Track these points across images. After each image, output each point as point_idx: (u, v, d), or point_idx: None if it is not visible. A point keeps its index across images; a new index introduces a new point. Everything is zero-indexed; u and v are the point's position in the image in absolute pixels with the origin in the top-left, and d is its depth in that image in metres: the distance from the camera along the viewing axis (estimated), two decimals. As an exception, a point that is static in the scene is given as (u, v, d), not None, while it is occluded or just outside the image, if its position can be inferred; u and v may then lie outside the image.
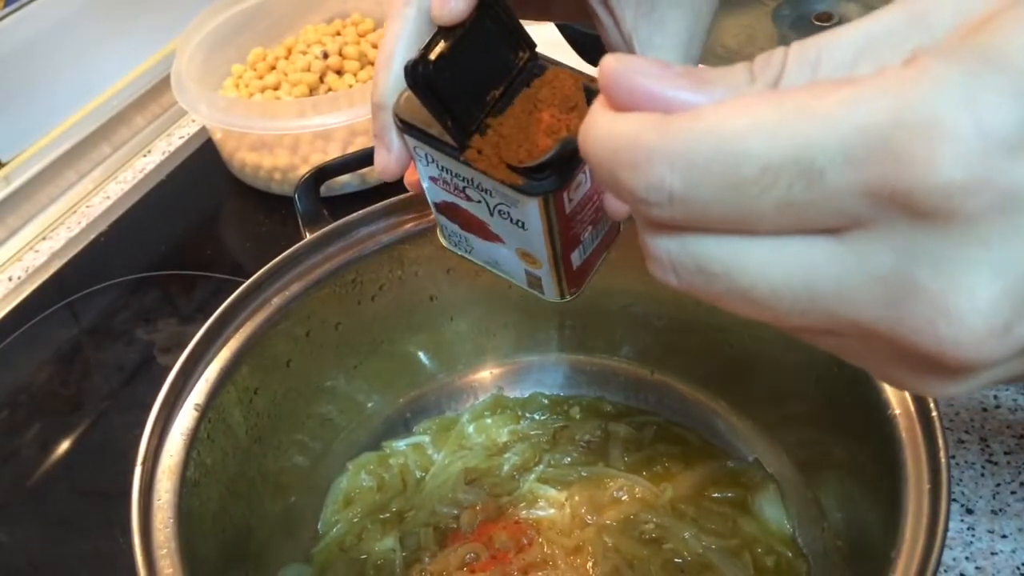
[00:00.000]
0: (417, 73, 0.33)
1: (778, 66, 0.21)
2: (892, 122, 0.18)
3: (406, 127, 0.37)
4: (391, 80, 0.37)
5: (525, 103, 0.35)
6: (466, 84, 0.34)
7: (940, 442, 0.41)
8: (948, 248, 0.18)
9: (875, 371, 0.22)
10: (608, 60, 0.21)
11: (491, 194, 0.36)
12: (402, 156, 0.39)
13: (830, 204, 0.19)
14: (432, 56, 0.33)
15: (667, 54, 0.41)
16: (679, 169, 0.19)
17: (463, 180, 0.37)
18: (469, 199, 0.38)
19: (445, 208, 0.40)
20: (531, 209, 0.35)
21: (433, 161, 0.37)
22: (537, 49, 0.36)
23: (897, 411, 0.43)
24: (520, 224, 0.36)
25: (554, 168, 0.34)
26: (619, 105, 0.21)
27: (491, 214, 0.37)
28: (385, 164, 0.39)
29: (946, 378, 0.20)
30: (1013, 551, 0.51)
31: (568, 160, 0.34)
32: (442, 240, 0.43)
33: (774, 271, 0.20)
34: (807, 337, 0.22)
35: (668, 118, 0.20)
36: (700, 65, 0.22)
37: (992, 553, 0.51)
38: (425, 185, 0.39)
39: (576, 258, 0.39)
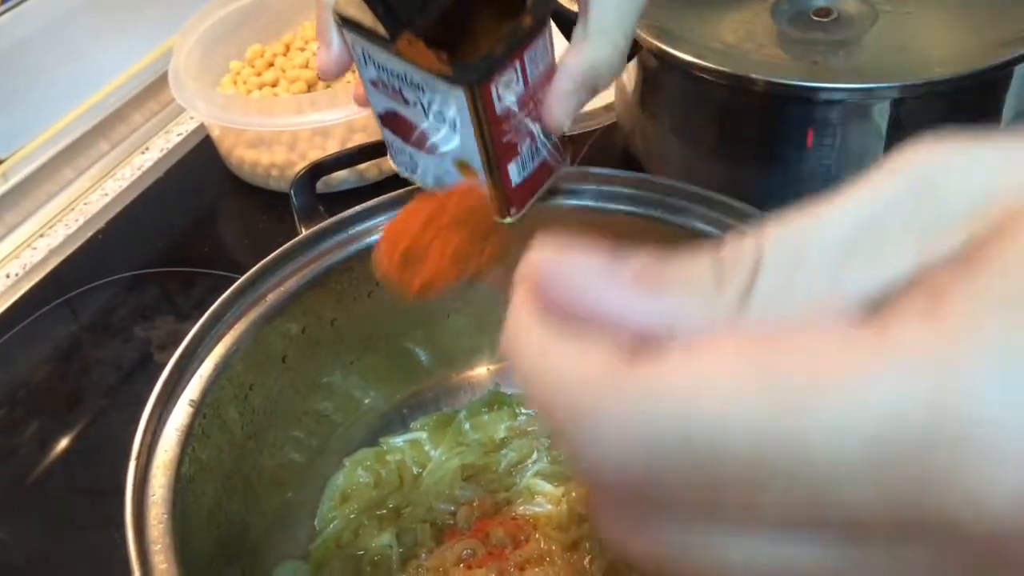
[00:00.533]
0: None
1: (749, 269, 0.16)
2: (926, 424, 0.13)
3: (344, 22, 0.38)
4: None
5: (471, 5, 0.36)
6: None
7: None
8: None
9: None
10: (538, 255, 0.17)
11: (422, 90, 0.37)
12: (342, 55, 0.39)
13: (840, 515, 0.14)
14: None
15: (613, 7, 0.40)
16: (640, 452, 0.15)
17: (398, 78, 0.37)
18: (406, 101, 0.38)
19: (388, 120, 0.41)
20: (460, 102, 0.36)
21: (370, 58, 0.38)
22: None
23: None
24: (453, 125, 0.37)
25: (482, 60, 0.35)
26: (553, 311, 0.17)
27: (427, 116, 0.38)
28: (324, 62, 0.40)
29: None
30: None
31: (499, 53, 0.35)
32: (393, 165, 0.44)
33: (766, 565, 0.16)
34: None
35: (623, 375, 0.15)
36: (647, 260, 0.18)
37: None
38: (369, 94, 0.40)
39: (515, 172, 0.40)
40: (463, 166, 0.39)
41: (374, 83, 0.39)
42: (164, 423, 0.44)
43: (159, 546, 0.40)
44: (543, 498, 0.53)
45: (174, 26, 0.86)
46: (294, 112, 0.74)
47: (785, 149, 0.63)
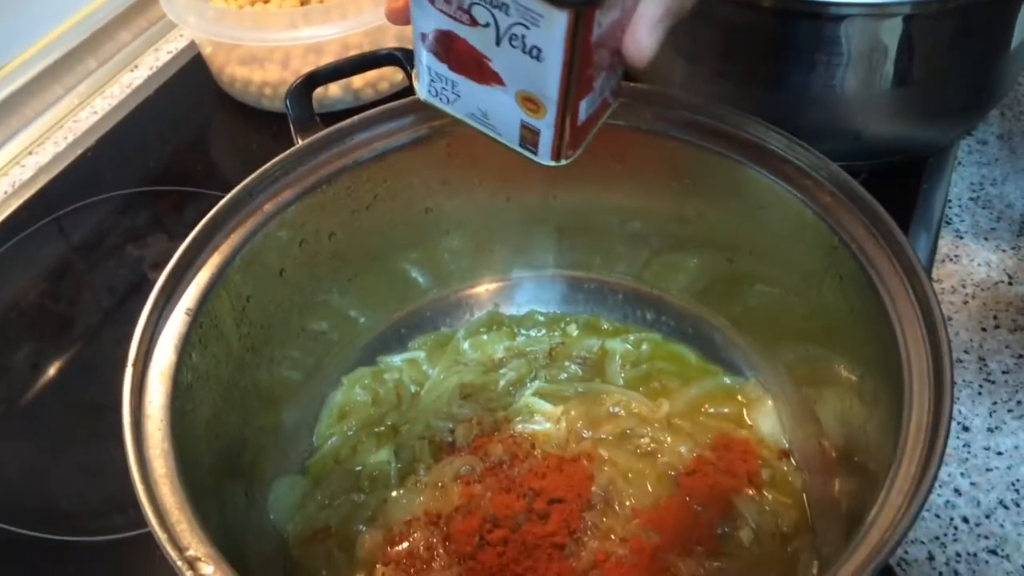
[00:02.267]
0: None
1: None
2: None
3: None
4: None
5: None
6: None
7: (945, 355, 0.40)
8: None
9: None
10: None
11: (507, 11, 0.32)
12: None
13: None
14: None
15: None
16: None
17: None
18: (474, 22, 0.33)
19: (437, 41, 0.35)
20: (557, 29, 0.31)
21: None
22: None
23: (901, 322, 0.42)
24: (534, 52, 0.32)
25: None
26: None
27: (498, 42, 0.33)
28: None
29: None
30: (1008, 467, 0.51)
31: None
32: (419, 91, 0.39)
33: None
34: None
35: None
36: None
37: (987, 469, 0.51)
38: (417, 9, 0.35)
39: (583, 109, 0.35)
40: (528, 100, 0.35)
41: None
42: (160, 331, 0.43)
43: (158, 451, 0.39)
44: (542, 416, 0.53)
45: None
46: (287, 26, 0.72)
47: (792, 69, 0.61)
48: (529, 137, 0.37)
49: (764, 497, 0.49)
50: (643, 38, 0.35)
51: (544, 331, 0.59)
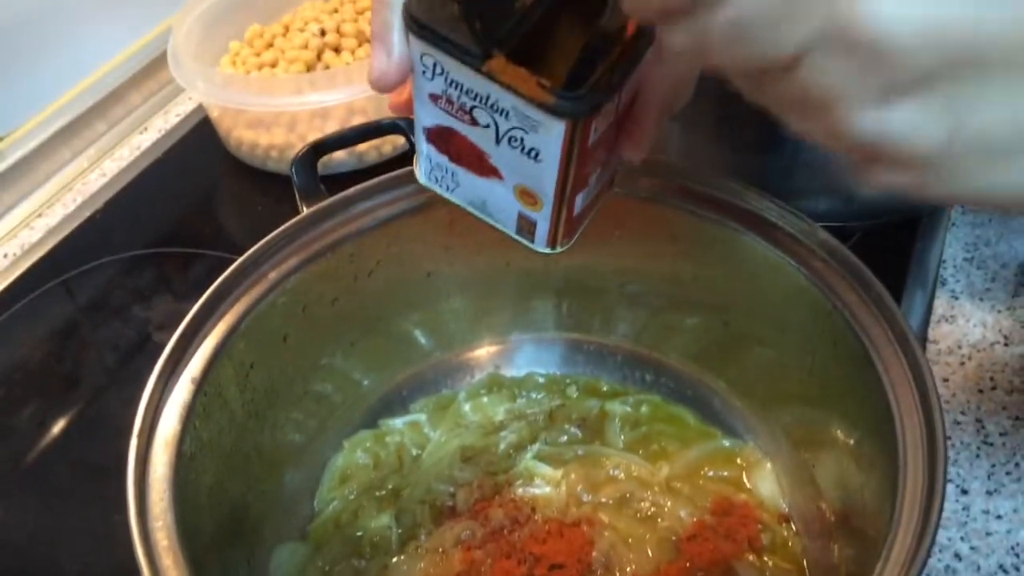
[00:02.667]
0: None
1: None
2: None
3: (419, 28, 0.32)
4: None
5: (563, 18, 0.31)
6: None
7: (938, 423, 0.41)
8: None
9: (818, 92, 0.25)
10: None
11: (507, 116, 0.32)
12: (403, 63, 0.33)
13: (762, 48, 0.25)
14: None
15: None
16: None
17: (474, 98, 0.32)
18: (475, 123, 0.33)
19: (438, 135, 0.36)
20: (555, 135, 0.31)
21: (442, 73, 0.32)
22: None
23: (894, 389, 0.43)
24: (532, 154, 0.33)
25: (588, 92, 0.30)
26: None
27: (497, 142, 0.34)
28: (383, 70, 0.34)
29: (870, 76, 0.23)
30: (1008, 531, 0.51)
31: (604, 86, 0.30)
32: (419, 176, 0.39)
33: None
34: (769, 87, 0.27)
35: None
36: None
37: (987, 533, 0.51)
38: (419, 105, 0.35)
39: (579, 202, 0.36)
40: (526, 194, 0.35)
41: (434, 97, 0.34)
42: (165, 400, 0.44)
43: (161, 523, 0.40)
44: (542, 480, 0.53)
45: (173, 5, 0.86)
46: (293, 92, 0.74)
47: (784, 134, 0.63)
48: (526, 226, 0.38)
49: (764, 563, 0.49)
50: (639, 142, 0.36)
51: (544, 393, 0.59)
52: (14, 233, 0.80)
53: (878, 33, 0.22)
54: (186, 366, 0.46)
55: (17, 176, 0.82)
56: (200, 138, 0.87)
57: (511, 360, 0.61)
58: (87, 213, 0.80)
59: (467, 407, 0.58)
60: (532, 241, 0.38)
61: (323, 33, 0.82)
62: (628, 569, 0.49)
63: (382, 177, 0.53)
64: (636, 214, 0.53)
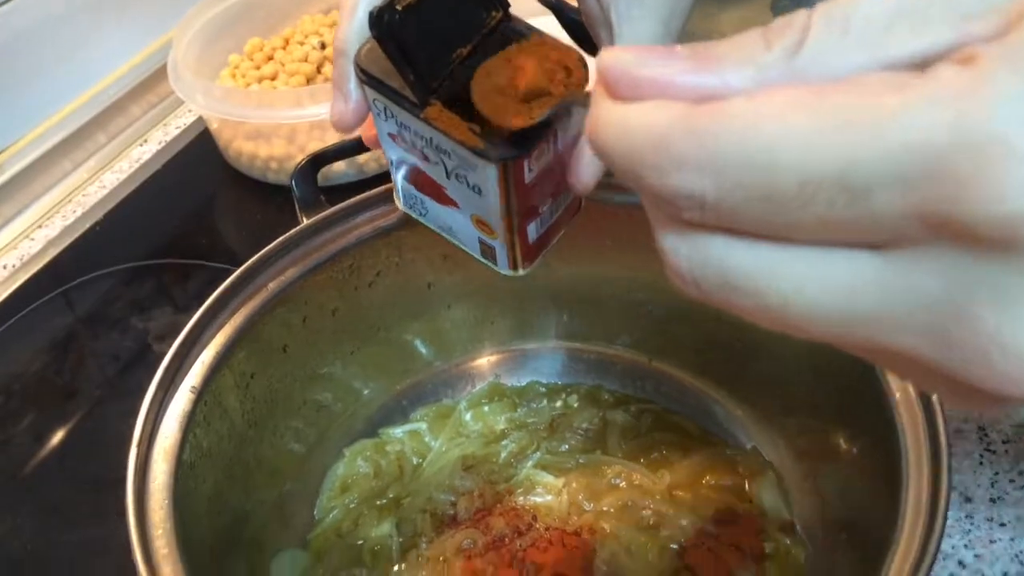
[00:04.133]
0: (382, 21, 0.32)
1: (799, 30, 0.18)
2: (949, 142, 0.16)
3: (367, 78, 0.36)
4: (355, 26, 0.36)
5: (496, 65, 0.33)
6: (432, 37, 0.33)
7: (941, 431, 0.40)
8: (1009, 279, 0.16)
9: (913, 383, 0.21)
10: (605, 57, 0.20)
11: (449, 156, 0.35)
12: (360, 108, 0.38)
13: (876, 223, 0.17)
14: (399, 5, 0.32)
15: (645, 27, 0.40)
16: (709, 175, 0.18)
17: (421, 139, 0.36)
18: (427, 159, 0.36)
19: (402, 167, 0.39)
20: (489, 175, 0.34)
21: (392, 116, 0.36)
22: (513, 13, 0.35)
23: (897, 398, 0.43)
24: (476, 190, 0.35)
25: (518, 134, 0.32)
26: (624, 97, 0.20)
27: (448, 177, 0.36)
28: (341, 114, 0.38)
29: (991, 403, 0.19)
30: (1011, 539, 0.51)
31: (534, 128, 0.32)
32: (397, 202, 0.42)
33: (809, 288, 0.18)
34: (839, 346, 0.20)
35: (692, 114, 0.18)
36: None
37: (991, 541, 0.51)
38: (383, 141, 0.38)
39: (532, 231, 0.38)
40: (480, 223, 0.38)
41: (391, 136, 0.37)
42: (165, 410, 0.44)
43: (160, 531, 0.39)
44: (544, 489, 0.53)
45: (173, 19, 0.86)
46: (293, 105, 0.74)
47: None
48: (487, 251, 0.39)
49: (767, 572, 0.49)
50: (584, 176, 0.37)
51: (545, 402, 0.59)
52: (14, 244, 0.80)
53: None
54: (186, 375, 0.45)
55: (17, 188, 0.82)
56: (200, 150, 0.87)
57: (512, 369, 0.61)
58: (87, 225, 0.80)
59: (468, 416, 0.58)
60: (495, 264, 0.40)
61: (323, 46, 0.82)
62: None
63: (382, 188, 0.53)
64: (635, 223, 0.53)
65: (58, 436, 0.65)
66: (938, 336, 0.17)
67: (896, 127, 0.16)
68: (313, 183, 0.56)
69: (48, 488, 0.62)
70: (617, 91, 0.20)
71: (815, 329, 0.18)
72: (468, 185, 0.36)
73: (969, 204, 0.16)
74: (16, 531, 0.59)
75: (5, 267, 0.78)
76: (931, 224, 0.16)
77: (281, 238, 0.50)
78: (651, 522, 0.51)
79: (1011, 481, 0.54)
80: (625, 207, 0.52)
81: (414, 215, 0.42)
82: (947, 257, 0.17)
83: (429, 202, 0.40)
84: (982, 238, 0.16)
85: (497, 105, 0.32)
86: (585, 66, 0.33)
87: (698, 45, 0.20)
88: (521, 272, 0.40)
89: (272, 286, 0.49)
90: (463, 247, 0.41)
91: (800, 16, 0.19)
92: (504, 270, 0.40)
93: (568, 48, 0.34)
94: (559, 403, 0.59)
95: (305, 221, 0.52)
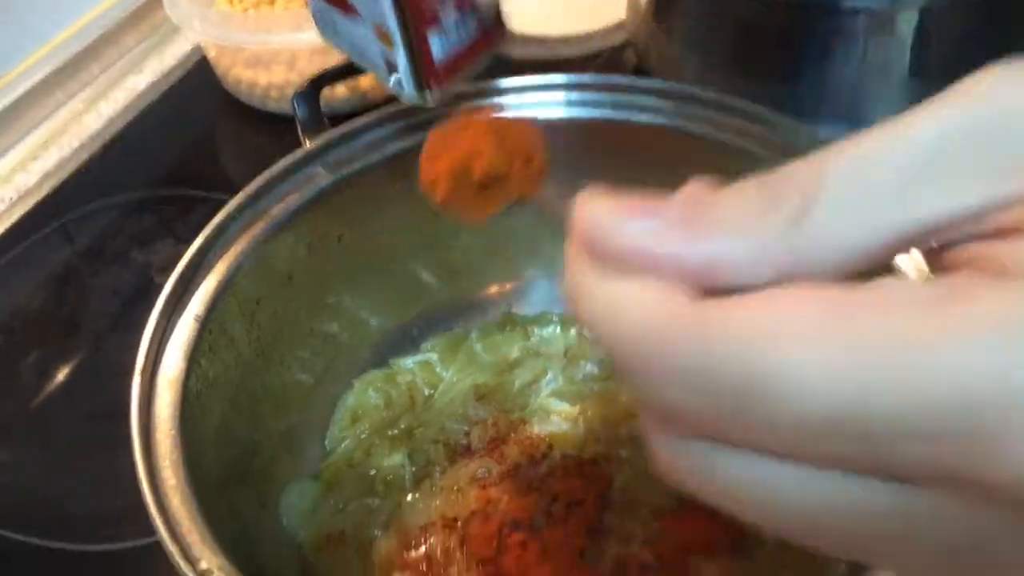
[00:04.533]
0: None
1: (802, 194, 0.16)
2: (993, 391, 0.13)
3: None
4: None
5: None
6: None
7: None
8: None
9: None
10: (583, 214, 0.18)
11: None
12: None
13: (894, 467, 0.15)
14: None
15: None
16: (707, 396, 0.15)
17: None
18: None
19: None
20: None
21: None
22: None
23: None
24: None
25: None
26: (607, 260, 0.18)
27: None
28: None
29: None
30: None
31: None
32: (319, 31, 0.42)
33: (812, 504, 0.16)
34: None
35: (692, 323, 0.16)
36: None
37: None
38: None
39: (437, 47, 0.36)
40: (381, 33, 0.36)
41: None
42: (168, 339, 0.43)
43: (167, 462, 0.38)
44: (558, 417, 0.52)
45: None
46: (292, 28, 0.71)
47: (806, 62, 0.60)
48: (391, 69, 0.38)
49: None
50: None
51: (559, 331, 0.58)
52: (9, 178, 0.77)
53: None
54: (188, 303, 0.44)
55: (11, 119, 0.80)
56: (197, 79, 0.84)
57: (525, 298, 0.59)
58: (84, 156, 0.78)
59: (479, 346, 0.57)
60: (403, 89, 0.39)
61: (322, -34, 0.79)
62: (647, 505, 0.48)
63: (389, 108, 0.51)
64: (646, 140, 0.51)
65: (63, 371, 0.64)
66: (958, 568, 0.16)
67: (930, 375, 0.14)
68: (315, 105, 0.54)
69: (54, 421, 0.61)
70: (598, 254, 0.18)
71: (821, 545, 0.17)
72: None
73: (1002, 466, 0.14)
74: (24, 464, 0.59)
75: (1, 201, 0.76)
76: (957, 481, 0.14)
77: (282, 161, 0.49)
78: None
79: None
80: (632, 126, 0.50)
81: (328, 39, 0.42)
82: (973, 507, 0.15)
83: (337, 16, 0.39)
84: (1009, 501, 0.14)
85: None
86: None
87: (694, 194, 0.17)
88: (430, 100, 0.38)
89: (275, 211, 0.48)
90: (375, 71, 0.40)
91: (806, 172, 0.16)
92: (410, 95, 0.38)
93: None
94: (572, 332, 0.57)
95: (308, 145, 0.50)
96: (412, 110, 0.50)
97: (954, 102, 0.16)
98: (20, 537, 0.53)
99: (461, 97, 0.47)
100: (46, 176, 0.77)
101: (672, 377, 0.16)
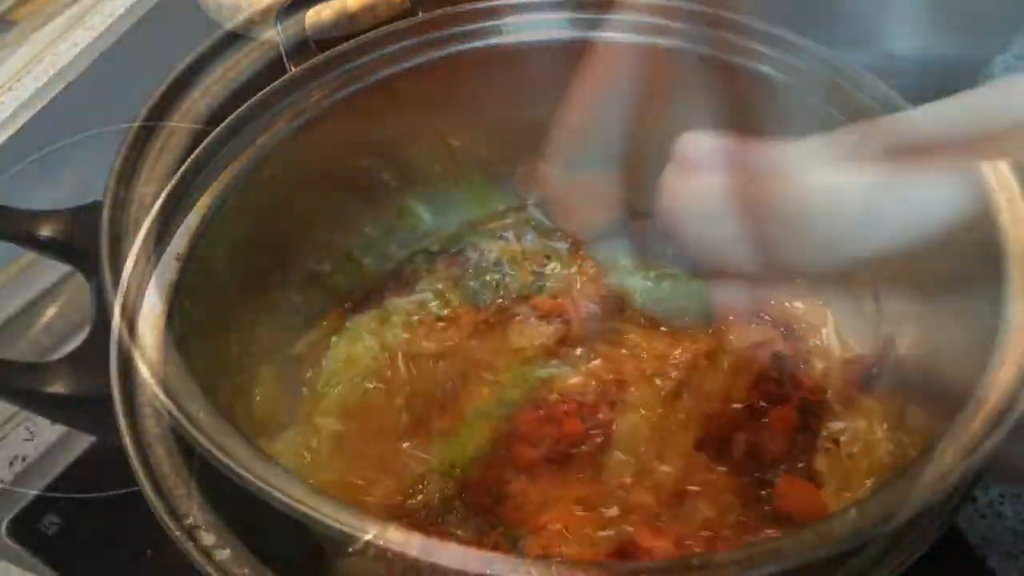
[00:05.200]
0: None
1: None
2: None
3: None
4: None
5: None
6: None
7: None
8: None
9: None
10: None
11: None
12: None
13: None
14: None
15: None
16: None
17: None
18: None
19: None
20: None
21: None
22: None
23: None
24: None
25: None
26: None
27: None
28: None
29: None
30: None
31: None
32: None
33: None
34: None
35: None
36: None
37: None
38: None
39: None
40: None
41: None
42: (149, 280, 0.40)
43: (150, 409, 0.36)
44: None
45: None
46: (276, -54, 0.67)
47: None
48: None
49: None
50: None
51: (560, 267, 0.56)
52: (-18, 109, 0.74)
53: None
54: (170, 242, 0.41)
55: (-17, 48, 0.76)
56: (176, 3, 0.80)
57: (525, 236, 0.57)
58: (60, 86, 0.74)
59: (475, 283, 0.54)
60: None
61: None
62: (651, 448, 0.46)
63: (378, 31, 0.48)
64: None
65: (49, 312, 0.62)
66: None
67: None
68: (300, 28, 0.51)
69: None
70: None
71: None
72: None
73: None
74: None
75: (-24, 132, 0.72)
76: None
77: (267, 88, 0.46)
78: (672, 392, 0.49)
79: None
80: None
81: None
82: None
83: None
84: None
85: None
86: None
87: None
88: None
89: (261, 141, 0.45)
90: None
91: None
92: None
93: None
94: (574, 269, 0.55)
95: (293, 70, 0.47)
96: (401, 34, 0.47)
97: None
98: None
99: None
100: (21, 107, 0.74)
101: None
